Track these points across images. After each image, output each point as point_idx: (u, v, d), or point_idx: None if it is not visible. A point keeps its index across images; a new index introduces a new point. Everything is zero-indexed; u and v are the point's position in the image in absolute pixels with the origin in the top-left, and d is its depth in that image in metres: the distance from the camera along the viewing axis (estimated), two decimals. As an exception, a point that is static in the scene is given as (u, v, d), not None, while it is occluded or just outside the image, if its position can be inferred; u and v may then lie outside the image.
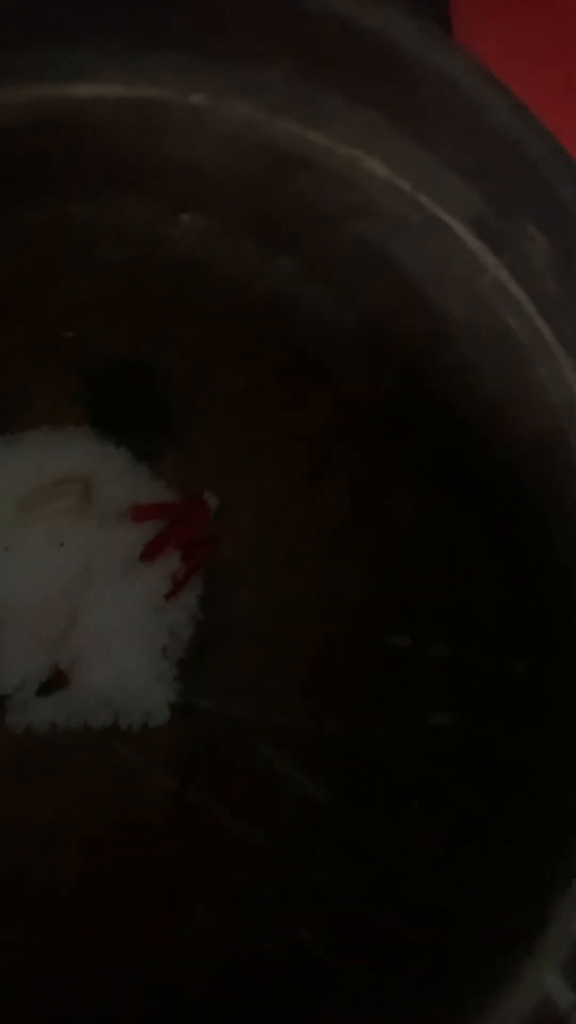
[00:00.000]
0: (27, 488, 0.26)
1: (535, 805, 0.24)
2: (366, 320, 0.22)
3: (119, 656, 0.27)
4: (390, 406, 0.25)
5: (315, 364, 0.25)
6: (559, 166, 0.18)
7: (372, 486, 0.27)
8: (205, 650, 0.29)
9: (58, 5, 0.14)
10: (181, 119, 0.15)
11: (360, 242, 0.19)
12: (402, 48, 0.16)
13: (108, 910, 0.24)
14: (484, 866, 0.22)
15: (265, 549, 0.29)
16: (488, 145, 0.17)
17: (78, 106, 0.14)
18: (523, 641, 0.25)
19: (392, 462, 0.26)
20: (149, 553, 0.28)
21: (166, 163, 0.17)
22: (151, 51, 0.14)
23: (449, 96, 0.17)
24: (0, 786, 0.25)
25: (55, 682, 0.26)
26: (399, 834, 0.24)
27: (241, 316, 0.24)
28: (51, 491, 0.26)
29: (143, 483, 0.28)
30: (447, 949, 0.23)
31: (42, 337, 0.24)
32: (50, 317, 0.24)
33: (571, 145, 0.17)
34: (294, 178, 0.17)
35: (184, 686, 0.28)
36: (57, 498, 0.26)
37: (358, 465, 0.27)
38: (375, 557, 0.27)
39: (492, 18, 0.38)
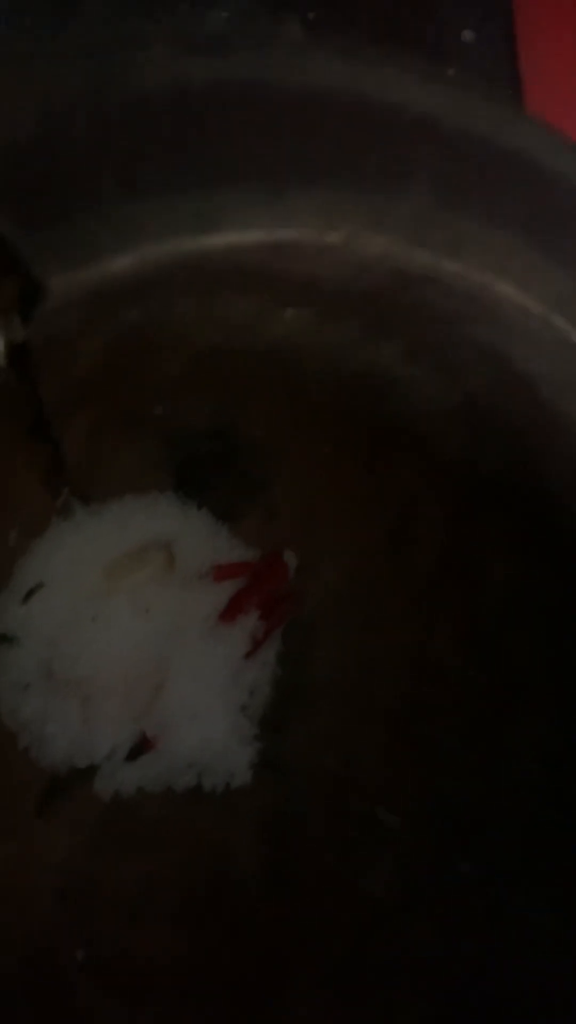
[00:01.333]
0: (112, 556, 0.26)
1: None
2: (470, 402, 0.22)
3: (201, 718, 0.27)
4: (485, 476, 0.24)
5: (408, 433, 0.24)
6: None
7: (462, 551, 0.26)
8: (286, 709, 0.29)
9: (199, 153, 0.13)
10: (314, 254, 0.15)
11: (474, 340, 0.18)
12: (539, 162, 0.15)
13: (209, 979, 0.24)
14: None
15: (346, 608, 0.29)
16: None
17: (213, 254, 0.14)
18: None
19: (484, 529, 0.25)
20: (229, 613, 0.28)
21: (285, 276, 0.16)
22: (291, 190, 0.14)
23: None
24: (91, 856, 0.25)
25: (142, 747, 0.26)
26: (500, 906, 0.24)
27: (333, 388, 0.24)
28: (135, 558, 0.26)
29: (224, 544, 0.28)
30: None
31: (132, 412, 0.24)
32: (141, 394, 0.23)
33: None
34: (417, 290, 0.16)
35: (266, 746, 0.28)
36: (141, 565, 0.26)
37: (446, 529, 0.26)
38: (465, 623, 0.27)
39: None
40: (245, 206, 0.13)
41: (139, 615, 0.26)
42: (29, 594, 0.25)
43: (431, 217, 0.15)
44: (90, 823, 0.26)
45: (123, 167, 0.12)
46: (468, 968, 0.23)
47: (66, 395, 0.22)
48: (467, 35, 0.44)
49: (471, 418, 0.22)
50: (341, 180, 0.14)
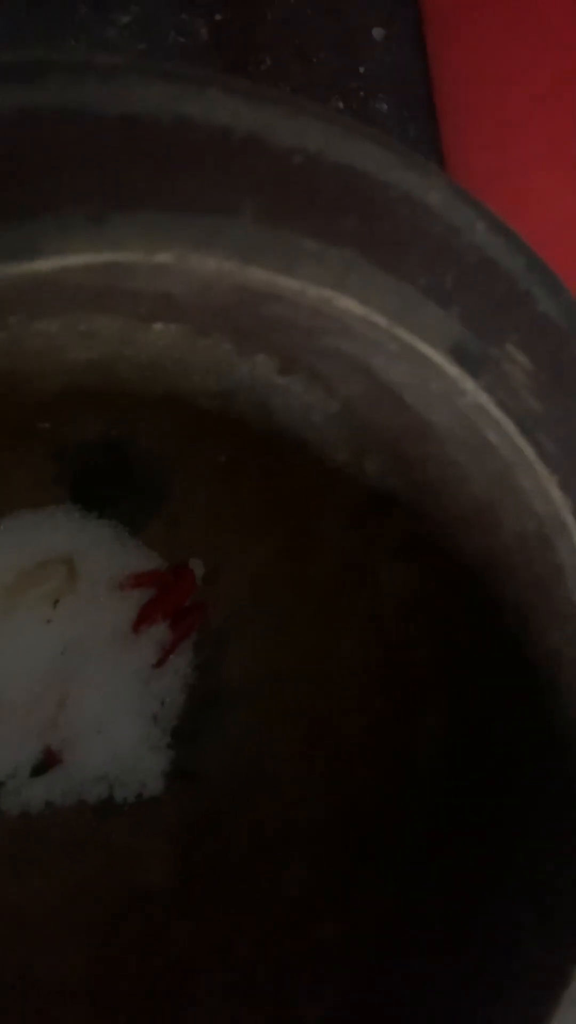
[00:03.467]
0: (12, 571, 0.26)
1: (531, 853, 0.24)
2: (348, 409, 0.22)
3: (110, 729, 0.27)
4: (374, 485, 0.25)
5: (296, 445, 0.24)
6: (537, 278, 0.17)
7: (360, 556, 0.26)
8: (198, 715, 0.29)
9: (13, 183, 0.13)
10: (148, 273, 0.15)
11: (338, 351, 0.19)
12: (371, 177, 0.16)
13: (117, 994, 0.24)
14: (493, 925, 0.22)
15: (254, 615, 0.29)
16: (465, 266, 0.17)
17: (42, 278, 0.14)
18: (514, 720, 0.25)
19: (379, 535, 0.26)
20: (139, 623, 0.28)
21: (136, 294, 0.16)
22: (116, 213, 0.14)
23: (422, 220, 0.16)
24: (5, 874, 0.25)
25: (47, 762, 0.26)
26: (403, 898, 0.25)
27: (219, 399, 0.24)
28: (36, 572, 0.26)
29: (129, 553, 0.28)
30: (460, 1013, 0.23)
31: (17, 430, 0.24)
32: (23, 412, 0.23)
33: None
34: (267, 306, 0.17)
35: (178, 754, 0.28)
36: (43, 579, 0.26)
37: (344, 536, 0.26)
38: (367, 623, 0.27)
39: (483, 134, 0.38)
40: (66, 233, 0.13)
41: (41, 629, 0.26)
42: None
43: (262, 236, 0.15)
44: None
45: None
46: (371, 967, 0.24)
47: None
48: (377, 33, 0.44)
49: (352, 425, 0.23)
50: (165, 203, 0.14)
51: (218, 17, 0.40)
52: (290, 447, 0.25)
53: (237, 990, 0.25)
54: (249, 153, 0.15)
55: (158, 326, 0.20)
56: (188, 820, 0.28)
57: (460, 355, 0.17)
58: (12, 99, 0.13)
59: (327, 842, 0.27)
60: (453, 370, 0.17)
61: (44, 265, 0.13)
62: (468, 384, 0.17)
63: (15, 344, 0.20)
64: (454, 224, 0.16)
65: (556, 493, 0.18)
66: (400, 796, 0.27)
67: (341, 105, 0.40)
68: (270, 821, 0.28)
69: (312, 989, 0.24)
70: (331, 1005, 0.24)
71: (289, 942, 0.25)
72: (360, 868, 0.26)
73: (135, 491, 0.27)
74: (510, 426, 0.17)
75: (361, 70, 0.43)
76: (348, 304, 0.16)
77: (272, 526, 0.27)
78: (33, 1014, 0.23)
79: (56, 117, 0.13)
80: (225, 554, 0.28)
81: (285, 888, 0.27)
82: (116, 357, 0.22)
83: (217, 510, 0.28)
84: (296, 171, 0.15)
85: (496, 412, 0.17)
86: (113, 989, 0.24)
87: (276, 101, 0.15)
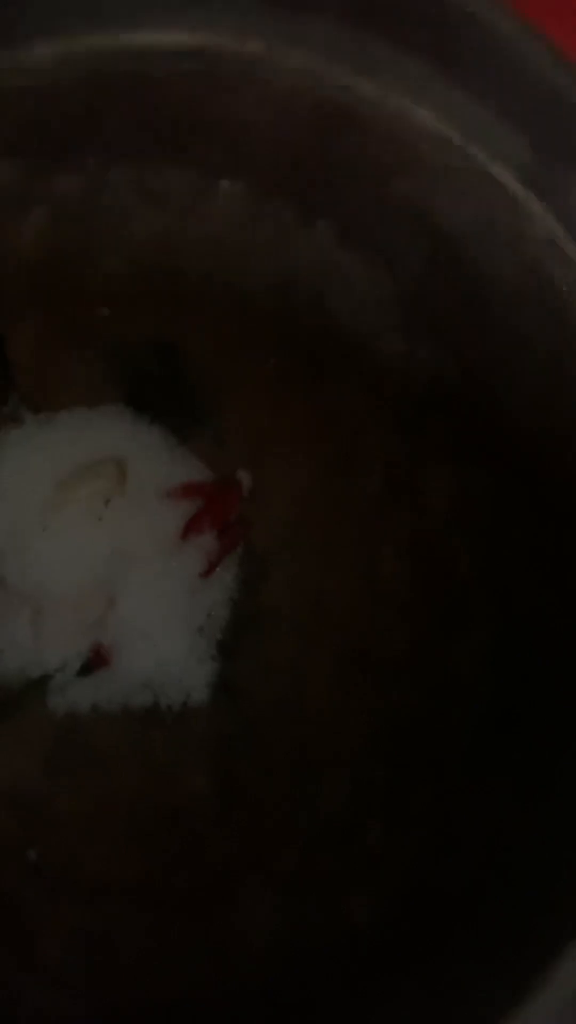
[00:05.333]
0: (63, 467, 0.26)
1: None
2: (404, 288, 0.22)
3: (157, 636, 0.27)
4: (426, 381, 0.25)
5: (349, 338, 0.25)
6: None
7: (407, 466, 0.27)
8: (241, 632, 0.29)
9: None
10: (236, 70, 0.15)
11: (402, 200, 0.19)
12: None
13: (162, 898, 0.24)
14: (540, 826, 0.22)
15: (299, 531, 0.29)
16: (532, 94, 0.17)
17: (136, 56, 0.14)
18: (560, 632, 0.25)
19: (428, 440, 0.26)
20: (187, 532, 0.28)
21: (214, 124, 0.17)
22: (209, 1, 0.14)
23: (493, 45, 0.17)
24: (44, 773, 0.25)
25: (95, 662, 0.26)
26: (449, 803, 0.24)
27: (274, 291, 0.24)
28: (87, 470, 0.26)
29: (177, 462, 0.28)
30: (503, 917, 0.22)
31: (77, 317, 0.24)
32: (85, 297, 0.24)
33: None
34: (341, 137, 0.17)
35: (223, 667, 0.28)
36: (94, 478, 0.26)
37: (392, 445, 0.27)
38: (412, 538, 0.27)
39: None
40: (167, 6, 0.14)
41: (92, 527, 0.26)
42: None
43: (345, 37, 0.15)
44: (43, 740, 0.26)
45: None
46: (418, 868, 0.23)
47: (10, 290, 0.22)
48: None
49: (409, 306, 0.23)
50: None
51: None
52: (341, 343, 0.26)
53: (282, 895, 0.24)
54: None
55: (225, 183, 0.21)
56: (230, 733, 0.27)
57: (529, 177, 0.17)
58: None
59: (370, 756, 0.27)
60: (522, 193, 0.17)
61: (142, 39, 0.14)
62: (536, 207, 0.17)
63: (88, 199, 0.20)
64: (522, 53, 0.17)
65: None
66: (444, 710, 0.26)
67: None
68: (312, 737, 0.27)
69: (359, 891, 0.23)
70: (380, 904, 0.23)
71: (333, 849, 0.25)
72: (404, 779, 0.26)
73: (185, 398, 0.27)
74: (576, 254, 0.17)
75: None
76: (422, 117, 0.16)
77: (318, 439, 0.28)
78: (82, 904, 0.22)
79: None
80: (271, 469, 0.28)
81: (328, 800, 0.26)
82: (179, 231, 0.22)
83: (264, 422, 0.28)
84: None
85: (563, 241, 0.17)
86: (158, 889, 0.24)
87: None
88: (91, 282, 0.23)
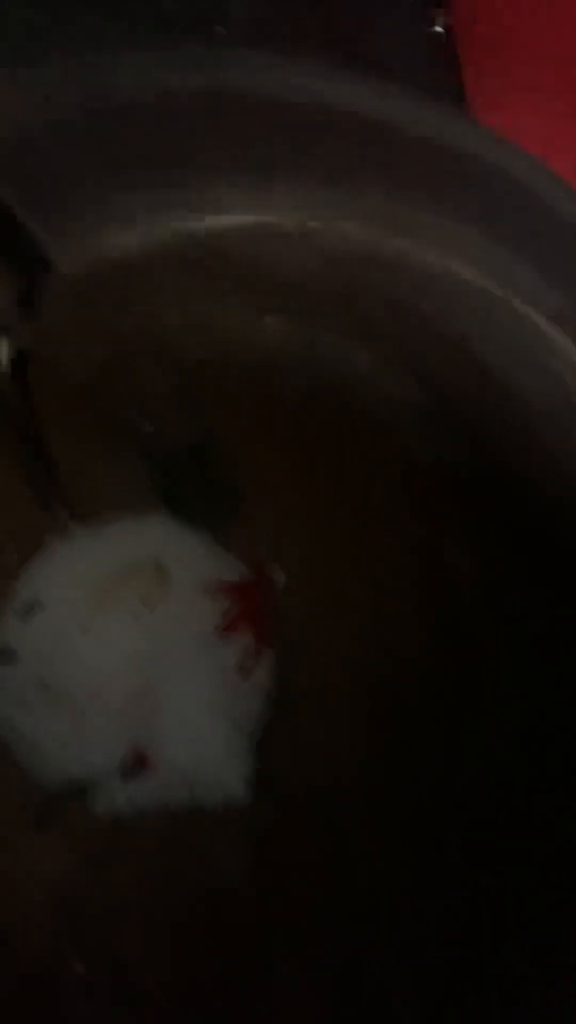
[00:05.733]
0: (106, 573, 0.27)
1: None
2: (438, 401, 0.23)
3: (197, 734, 0.28)
4: (451, 475, 0.26)
5: (379, 437, 0.26)
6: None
7: (434, 550, 0.27)
8: (275, 721, 0.29)
9: (195, 148, 0.15)
10: (294, 241, 0.16)
11: (438, 333, 0.20)
12: (478, 157, 0.17)
13: (202, 986, 0.24)
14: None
15: (329, 617, 0.29)
16: (561, 239, 0.18)
17: (211, 236, 0.15)
18: None
19: (453, 525, 0.27)
20: (224, 629, 0.28)
21: (266, 277, 0.18)
22: (277, 180, 0.15)
23: (532, 206, 0.18)
24: (87, 872, 0.25)
25: (136, 763, 0.27)
26: (485, 880, 0.25)
27: (309, 398, 0.25)
28: (128, 575, 0.27)
29: (213, 560, 0.28)
30: (548, 991, 0.23)
31: (119, 430, 0.25)
32: (128, 410, 0.25)
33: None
34: (386, 286, 0.18)
35: (256, 759, 0.29)
36: (134, 581, 0.27)
37: (418, 530, 0.27)
38: (436, 616, 0.28)
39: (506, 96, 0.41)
40: (233, 193, 0.15)
41: (132, 630, 0.27)
42: (27, 610, 0.25)
43: (395, 207, 0.16)
44: (84, 838, 0.26)
45: (118, 160, 0.14)
46: (457, 957, 0.24)
47: (57, 409, 0.23)
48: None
49: (439, 415, 0.24)
50: (316, 174, 0.16)
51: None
52: (368, 437, 0.27)
53: (321, 980, 0.25)
54: (383, 135, 0.16)
55: (270, 320, 0.22)
56: (266, 824, 0.28)
57: (560, 318, 0.18)
58: (187, 79, 0.15)
59: (404, 837, 0.27)
60: (553, 330, 0.18)
61: (213, 222, 0.15)
62: (564, 342, 0.18)
63: (140, 335, 0.21)
64: (549, 200, 0.18)
65: None
66: (477, 786, 0.27)
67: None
68: (345, 820, 0.28)
69: (400, 978, 0.23)
70: (422, 991, 0.23)
71: (372, 933, 0.25)
72: (438, 858, 0.26)
73: (217, 492, 0.28)
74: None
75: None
76: (466, 274, 0.17)
77: (344, 522, 0.28)
78: (126, 1002, 0.23)
79: (224, 95, 0.15)
80: (299, 557, 0.29)
81: (364, 885, 0.26)
82: (225, 356, 0.23)
83: (291, 508, 0.29)
84: (421, 152, 0.17)
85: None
86: (199, 978, 0.24)
87: (400, 96, 0.17)
88: (134, 401, 0.24)
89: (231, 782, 0.28)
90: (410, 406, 0.24)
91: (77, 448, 0.25)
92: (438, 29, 0.48)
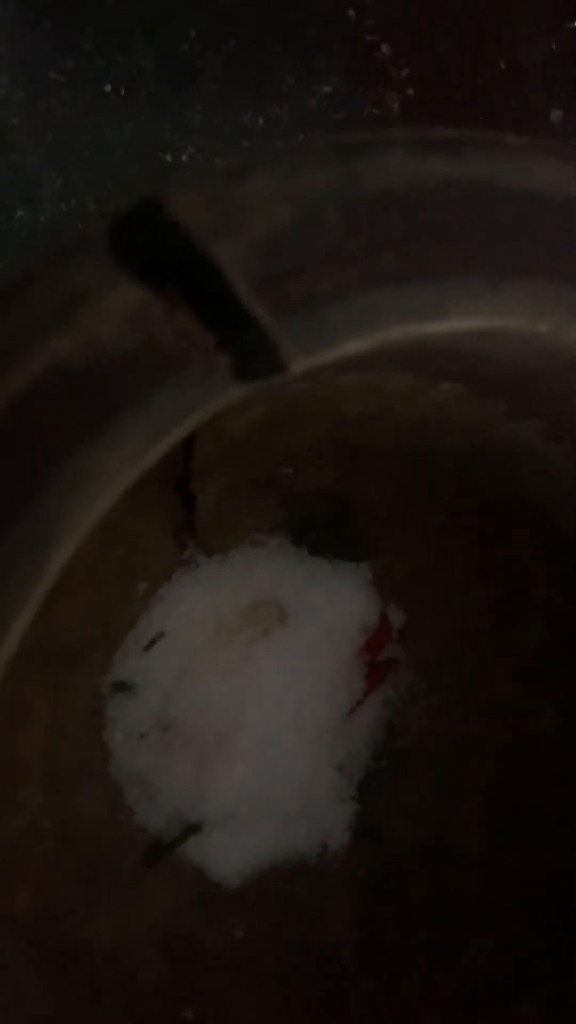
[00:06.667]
0: (229, 609, 0.26)
1: None
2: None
3: (301, 773, 0.27)
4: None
5: (531, 506, 0.25)
6: None
7: (570, 627, 0.26)
8: (382, 773, 0.29)
9: (428, 246, 0.14)
10: (514, 340, 0.15)
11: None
12: None
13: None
14: None
15: (447, 674, 0.29)
16: None
17: (429, 339, 0.14)
18: None
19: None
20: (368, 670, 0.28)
21: (460, 359, 0.17)
22: (510, 281, 0.14)
23: None
24: (191, 914, 0.25)
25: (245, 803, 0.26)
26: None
27: (461, 459, 0.24)
28: (250, 612, 0.26)
29: (336, 600, 0.28)
30: None
31: (263, 475, 0.25)
32: (277, 457, 0.24)
33: None
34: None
35: (363, 809, 0.28)
36: (255, 620, 0.26)
37: (555, 606, 0.26)
38: (568, 697, 0.27)
39: None
40: (468, 296, 0.14)
41: (248, 668, 0.26)
42: (151, 643, 0.25)
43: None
44: (190, 881, 0.26)
45: (366, 258, 0.13)
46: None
47: (214, 456, 0.23)
48: (555, 115, 0.45)
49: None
50: (550, 274, 0.15)
51: (411, 92, 0.42)
52: (517, 512, 0.26)
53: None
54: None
55: (445, 386, 0.21)
56: (370, 880, 0.27)
57: None
58: (436, 168, 0.14)
59: (519, 915, 0.26)
60: None
61: (443, 327, 0.14)
62: None
63: (312, 395, 0.20)
64: None
65: None
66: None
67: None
68: (455, 889, 0.27)
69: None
70: None
71: (482, 1017, 0.25)
72: (557, 946, 0.25)
73: (348, 541, 0.27)
74: None
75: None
76: None
77: (479, 589, 0.28)
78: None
79: (470, 188, 0.14)
80: (426, 613, 0.28)
81: (473, 958, 0.26)
82: (386, 412, 0.22)
83: (424, 568, 0.28)
84: None
85: None
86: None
87: None
88: (283, 447, 0.24)
89: (333, 827, 0.27)
90: (567, 481, 0.23)
91: (224, 491, 0.25)
92: None
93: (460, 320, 0.14)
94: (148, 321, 0.12)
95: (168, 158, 0.38)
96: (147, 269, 0.13)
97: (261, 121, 0.39)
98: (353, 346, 0.13)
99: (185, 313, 0.12)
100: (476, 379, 0.20)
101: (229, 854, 0.26)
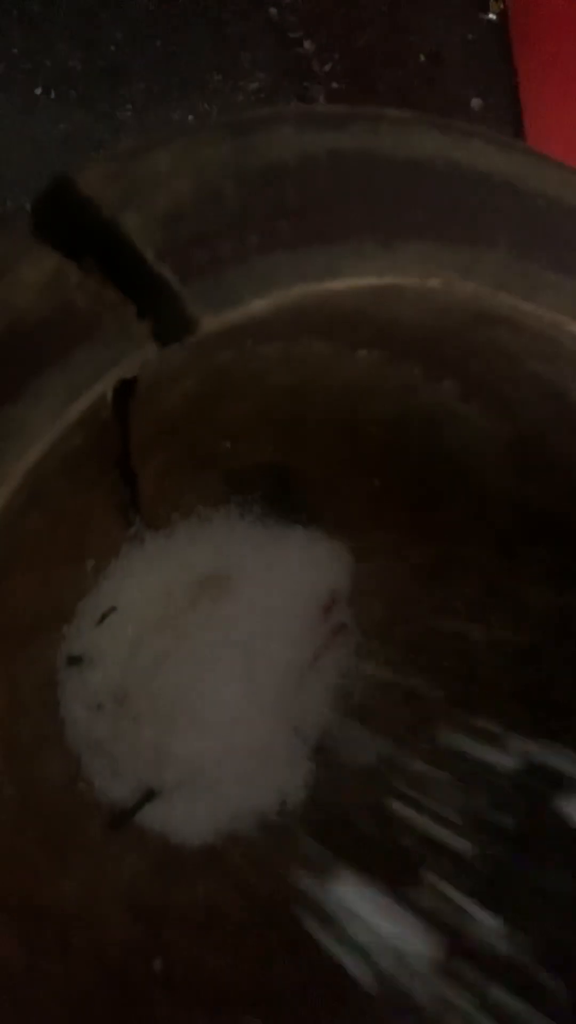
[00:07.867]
0: (179, 581, 0.27)
1: None
2: (522, 436, 0.23)
3: (258, 736, 0.28)
4: (531, 511, 0.26)
5: (457, 468, 0.26)
6: None
7: (505, 580, 0.28)
8: (335, 732, 0.30)
9: (321, 213, 0.15)
10: (411, 298, 0.17)
11: (535, 376, 0.20)
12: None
13: (273, 993, 0.25)
14: None
15: (390, 636, 0.30)
16: None
17: (334, 297, 0.15)
18: None
19: (528, 558, 0.27)
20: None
21: (368, 322, 0.18)
22: (399, 242, 0.16)
23: None
24: (157, 876, 0.26)
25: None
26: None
27: (389, 427, 0.26)
28: (198, 584, 0.28)
29: (281, 566, 0.29)
30: None
31: (202, 451, 0.26)
32: (213, 432, 0.25)
33: None
34: (493, 332, 0.18)
35: (316, 767, 0.29)
36: (203, 591, 0.28)
37: (491, 559, 0.28)
38: (505, 649, 0.28)
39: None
40: (360, 257, 0.15)
41: (203, 639, 0.27)
42: (103, 618, 0.26)
43: (513, 266, 0.17)
44: (153, 845, 0.27)
45: (264, 225, 0.14)
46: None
47: (151, 433, 0.24)
48: (475, 103, 0.47)
49: (520, 453, 0.24)
50: (438, 234, 0.16)
51: (335, 86, 0.43)
52: (447, 474, 0.27)
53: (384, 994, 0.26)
54: (504, 195, 0.17)
55: (362, 352, 0.22)
56: (325, 836, 0.29)
57: None
58: (324, 142, 0.15)
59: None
60: None
61: (340, 284, 0.15)
62: None
63: (236, 364, 0.21)
64: None
65: None
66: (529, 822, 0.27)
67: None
68: (408, 830, 0.29)
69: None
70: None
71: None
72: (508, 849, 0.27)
73: (291, 510, 0.29)
74: None
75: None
76: (572, 326, 0.18)
77: (415, 550, 0.29)
78: (203, 1001, 0.24)
79: (356, 158, 0.15)
80: (367, 575, 0.30)
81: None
82: (311, 384, 0.24)
83: (363, 532, 0.29)
84: (540, 212, 0.17)
85: None
86: (271, 984, 0.25)
87: (524, 152, 0.17)
88: (219, 422, 0.25)
89: (290, 787, 0.29)
90: (493, 442, 0.24)
91: (164, 467, 0.26)
92: (491, 16, 0.48)
93: (355, 278, 0.15)
94: (64, 288, 0.14)
95: (101, 156, 0.39)
96: (62, 241, 0.14)
97: (191, 117, 0.41)
98: (258, 305, 0.15)
99: (98, 280, 0.14)
100: (389, 344, 0.21)
101: (190, 817, 0.27)
